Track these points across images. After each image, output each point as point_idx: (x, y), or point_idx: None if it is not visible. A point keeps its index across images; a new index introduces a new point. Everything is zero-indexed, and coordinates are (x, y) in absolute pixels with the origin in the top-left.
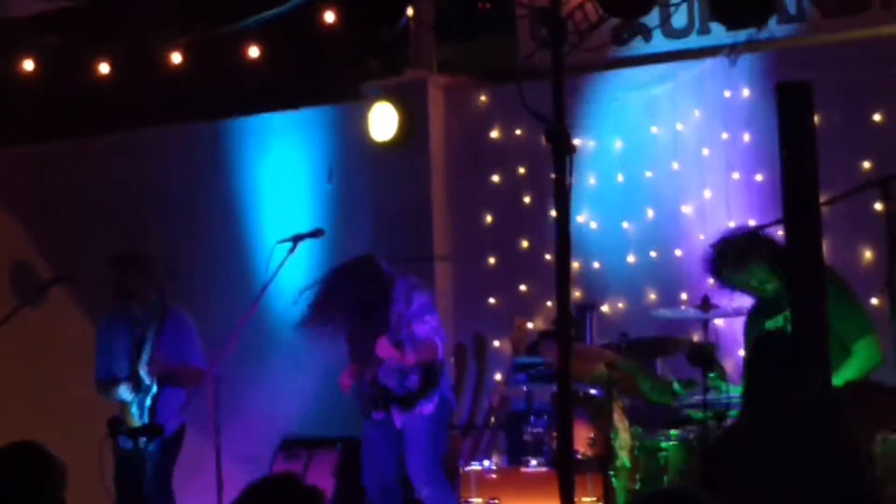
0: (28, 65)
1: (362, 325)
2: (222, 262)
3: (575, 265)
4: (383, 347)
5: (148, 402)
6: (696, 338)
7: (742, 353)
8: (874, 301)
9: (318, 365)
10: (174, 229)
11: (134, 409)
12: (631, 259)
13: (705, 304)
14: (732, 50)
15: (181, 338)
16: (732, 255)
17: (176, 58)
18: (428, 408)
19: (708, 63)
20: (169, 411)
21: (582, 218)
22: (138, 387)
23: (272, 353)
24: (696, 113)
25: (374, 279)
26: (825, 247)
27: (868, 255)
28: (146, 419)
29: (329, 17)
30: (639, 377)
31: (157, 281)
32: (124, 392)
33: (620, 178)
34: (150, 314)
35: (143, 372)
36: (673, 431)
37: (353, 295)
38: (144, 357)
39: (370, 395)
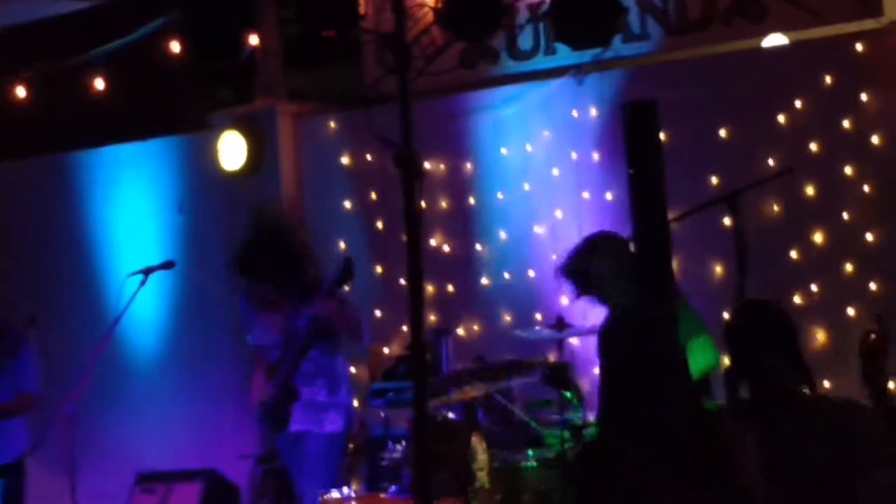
0: None
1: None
2: (72, 297)
3: (429, 289)
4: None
5: None
6: (551, 357)
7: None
8: (725, 315)
9: (174, 398)
10: (22, 264)
11: None
12: (485, 281)
13: (560, 324)
14: (579, 70)
15: (16, 361)
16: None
17: (21, 91)
18: (336, 423)
19: (555, 83)
20: (11, 443)
21: (435, 241)
22: None
23: (126, 388)
24: (545, 133)
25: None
26: (676, 263)
27: (718, 269)
28: None
29: (174, 47)
30: None
31: None
32: None
33: (472, 200)
34: None
35: None
36: (531, 451)
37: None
38: None
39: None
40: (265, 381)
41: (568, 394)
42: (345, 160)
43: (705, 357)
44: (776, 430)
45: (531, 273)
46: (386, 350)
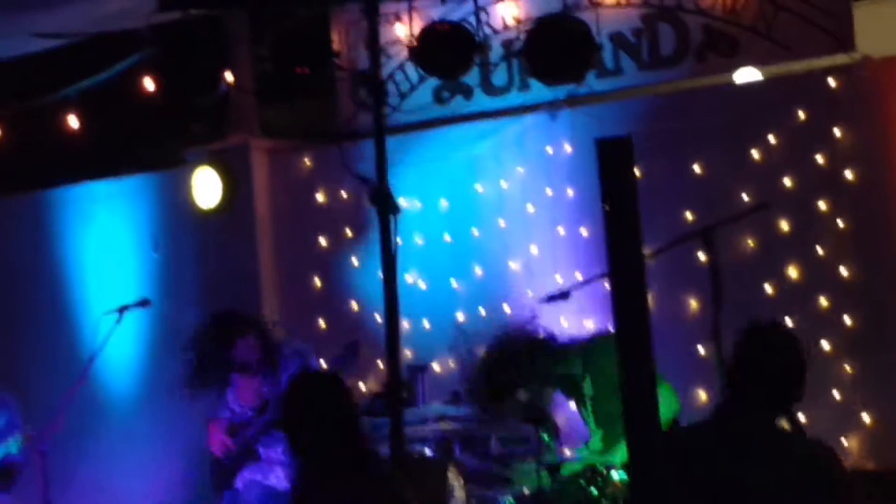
0: None
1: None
2: (48, 336)
3: (405, 325)
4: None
5: None
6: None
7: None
8: (701, 350)
9: (150, 437)
10: None
11: None
12: (460, 317)
13: None
14: (553, 106)
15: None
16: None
17: None
18: (282, 481)
19: (529, 119)
20: None
21: (410, 277)
22: None
23: (102, 426)
24: (520, 169)
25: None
26: (651, 298)
27: (693, 304)
28: None
29: (148, 84)
30: None
31: None
32: None
33: (447, 236)
34: None
35: None
36: (508, 487)
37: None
38: None
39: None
40: (224, 438)
41: (545, 436)
42: (319, 197)
43: (666, 406)
44: (753, 460)
45: (506, 308)
46: (362, 386)
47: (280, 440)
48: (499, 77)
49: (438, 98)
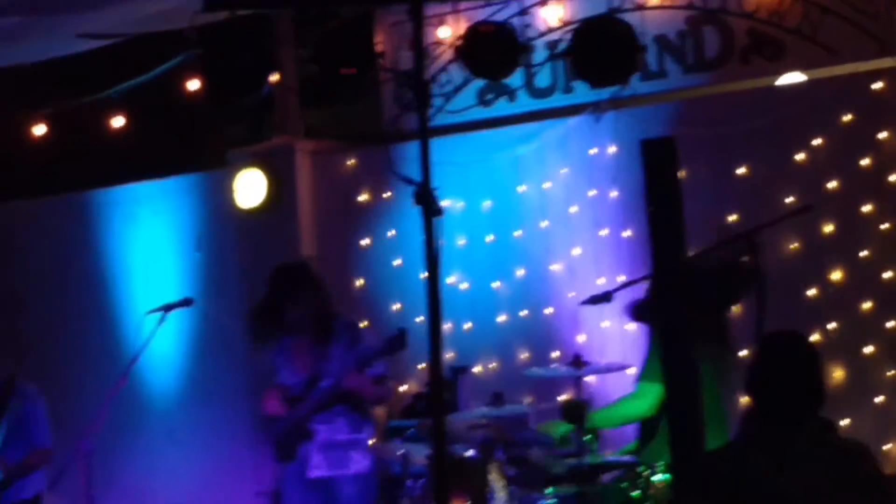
0: None
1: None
2: (92, 334)
3: (446, 326)
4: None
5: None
6: (568, 396)
7: None
8: (744, 353)
9: (192, 434)
10: (42, 302)
11: None
12: (502, 319)
13: (577, 362)
14: (596, 108)
15: (26, 418)
16: None
17: (40, 129)
18: (361, 463)
19: (573, 121)
20: (30, 479)
21: (452, 279)
22: None
23: (145, 425)
24: (563, 171)
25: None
26: None
27: (735, 307)
28: None
29: (193, 84)
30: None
31: None
32: None
33: (490, 238)
34: None
35: None
36: (550, 489)
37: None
38: None
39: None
40: (280, 403)
41: (588, 437)
42: (362, 197)
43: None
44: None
45: (548, 311)
46: (404, 388)
47: (341, 417)
48: (543, 79)
49: (482, 100)
